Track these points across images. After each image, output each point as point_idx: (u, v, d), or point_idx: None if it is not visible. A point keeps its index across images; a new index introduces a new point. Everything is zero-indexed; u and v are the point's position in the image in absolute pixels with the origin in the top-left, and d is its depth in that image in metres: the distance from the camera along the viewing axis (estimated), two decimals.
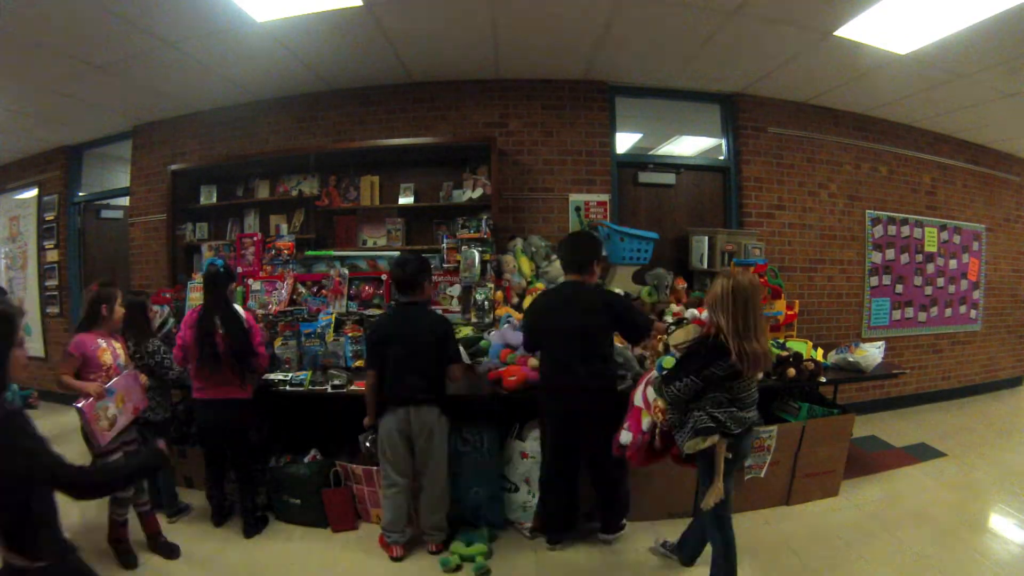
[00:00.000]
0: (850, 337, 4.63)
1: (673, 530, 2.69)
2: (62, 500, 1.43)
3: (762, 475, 3.01)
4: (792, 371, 2.95)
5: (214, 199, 4.59)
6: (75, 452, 2.67)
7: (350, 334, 3.41)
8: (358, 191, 4.24)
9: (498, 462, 2.92)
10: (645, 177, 4.47)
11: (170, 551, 2.69)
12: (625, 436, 2.38)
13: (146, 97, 4.29)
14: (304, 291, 3.90)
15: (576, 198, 4.25)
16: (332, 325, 3.49)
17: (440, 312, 3.33)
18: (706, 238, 4.06)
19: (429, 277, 2.77)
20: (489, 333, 3.39)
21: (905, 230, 5.08)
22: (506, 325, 3.30)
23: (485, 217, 3.93)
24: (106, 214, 5.73)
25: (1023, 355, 6.03)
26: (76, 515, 3.02)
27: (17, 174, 5.75)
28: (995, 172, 5.64)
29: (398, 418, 2.57)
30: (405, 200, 4.21)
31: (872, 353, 3.39)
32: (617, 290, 3.40)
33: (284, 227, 4.44)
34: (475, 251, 3.78)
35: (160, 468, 2.09)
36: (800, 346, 3.33)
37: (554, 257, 3.92)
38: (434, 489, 2.66)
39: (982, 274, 5.62)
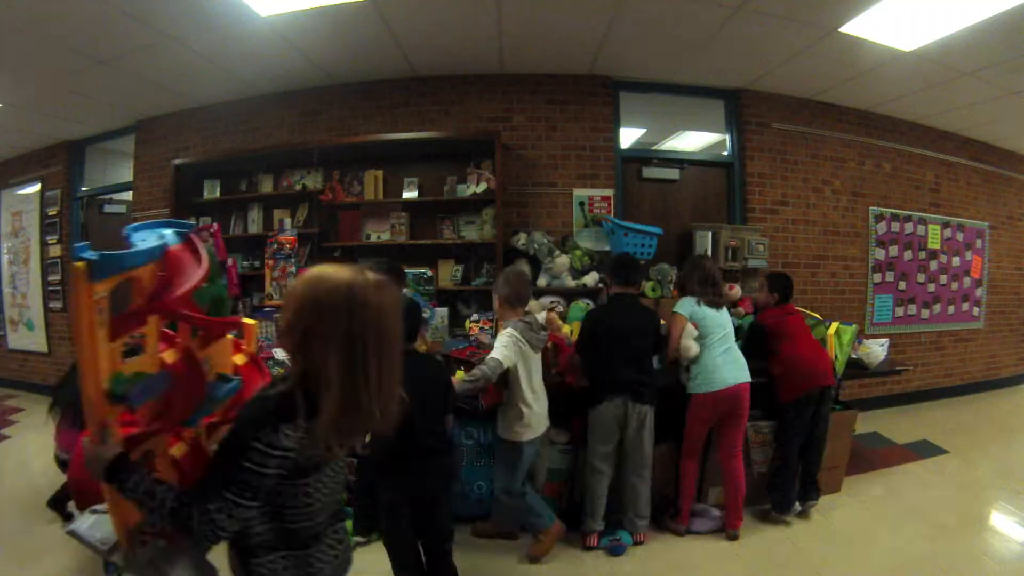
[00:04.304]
0: None
1: None
2: None
3: (764, 470, 3.02)
4: None
5: (217, 193, 4.58)
6: None
7: None
8: (362, 185, 4.23)
9: None
10: (649, 172, 4.47)
11: None
12: None
13: (149, 92, 4.28)
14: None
15: (580, 193, 4.24)
16: None
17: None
18: (710, 234, 4.05)
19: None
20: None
21: (908, 227, 5.07)
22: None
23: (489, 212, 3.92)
24: (109, 209, 5.70)
25: None
26: None
27: (20, 169, 5.75)
28: (999, 169, 5.63)
29: (615, 406, 2.61)
30: (409, 194, 4.20)
31: (875, 350, 3.40)
32: None
33: (288, 221, 4.43)
34: None
35: None
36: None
37: (558, 252, 3.92)
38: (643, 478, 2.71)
39: (985, 272, 5.61)
